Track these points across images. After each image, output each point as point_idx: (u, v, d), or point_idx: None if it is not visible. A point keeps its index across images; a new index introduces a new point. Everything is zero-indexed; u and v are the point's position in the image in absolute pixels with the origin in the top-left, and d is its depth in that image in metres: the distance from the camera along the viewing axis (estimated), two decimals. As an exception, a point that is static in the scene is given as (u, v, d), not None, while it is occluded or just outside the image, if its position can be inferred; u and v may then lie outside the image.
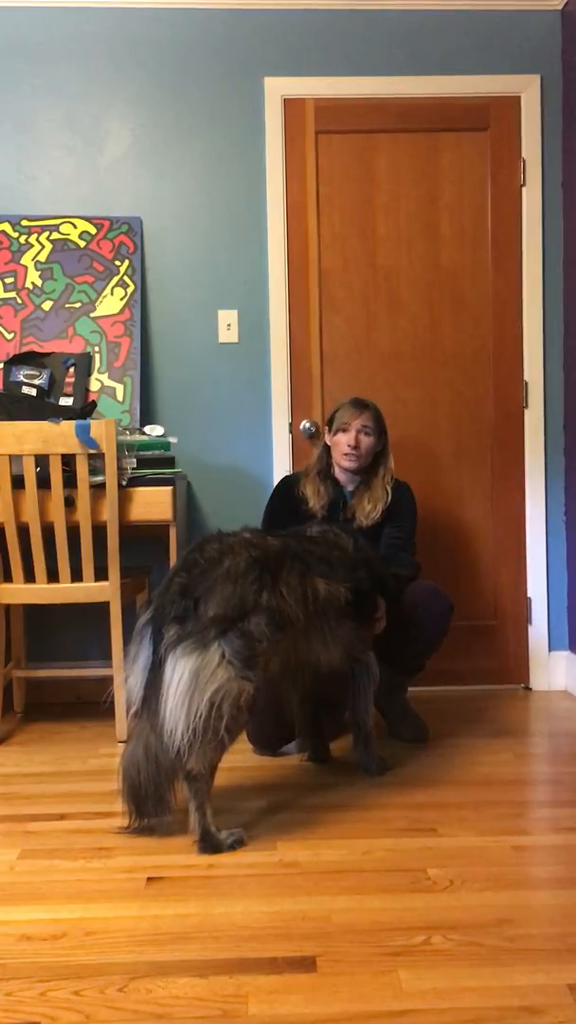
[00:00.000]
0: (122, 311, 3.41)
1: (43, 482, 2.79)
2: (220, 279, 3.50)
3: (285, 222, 3.49)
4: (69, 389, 3.26)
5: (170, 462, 3.05)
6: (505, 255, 3.55)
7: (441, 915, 1.70)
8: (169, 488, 2.94)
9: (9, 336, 3.36)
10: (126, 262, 3.43)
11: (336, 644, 2.35)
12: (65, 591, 2.86)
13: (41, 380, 3.19)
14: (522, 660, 3.58)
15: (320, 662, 2.34)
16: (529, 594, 3.57)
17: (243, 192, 3.49)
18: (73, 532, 2.84)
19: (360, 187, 3.52)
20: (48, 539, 2.83)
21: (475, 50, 3.50)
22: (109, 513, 2.84)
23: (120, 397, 3.35)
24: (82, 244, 3.42)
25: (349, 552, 2.43)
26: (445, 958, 1.54)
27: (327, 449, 2.93)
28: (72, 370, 3.28)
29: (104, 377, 3.36)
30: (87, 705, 3.33)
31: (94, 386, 3.34)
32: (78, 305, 3.40)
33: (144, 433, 3.14)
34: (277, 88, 3.47)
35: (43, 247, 3.42)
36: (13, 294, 3.38)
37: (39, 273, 3.41)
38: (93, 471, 2.83)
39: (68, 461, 2.80)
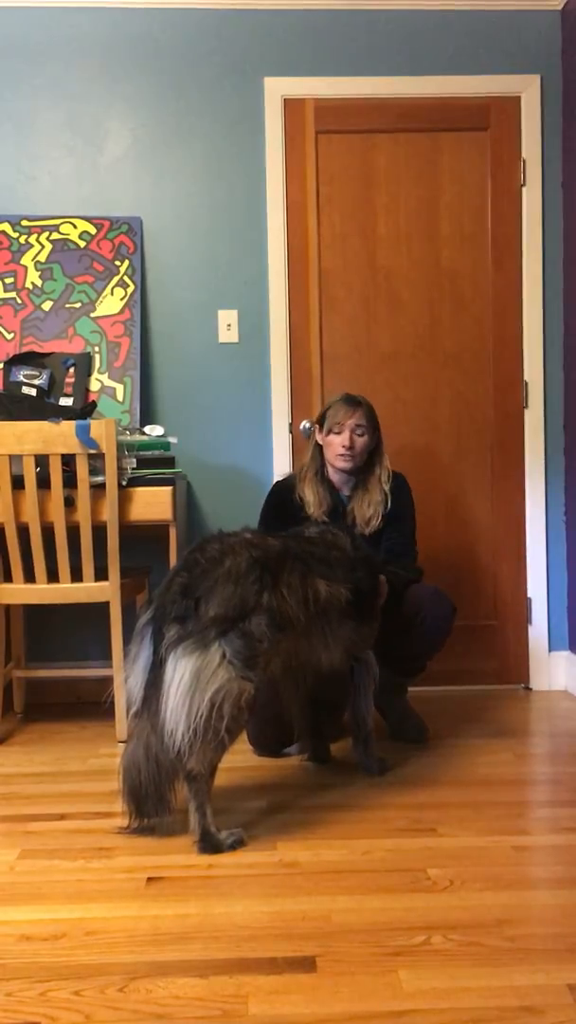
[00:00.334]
0: (122, 311, 3.41)
1: (43, 482, 2.79)
2: (220, 279, 3.50)
3: (285, 222, 3.49)
4: (69, 389, 3.26)
5: (170, 462, 3.05)
6: (505, 255, 3.55)
7: (441, 915, 1.70)
8: (169, 488, 2.94)
9: (9, 336, 3.36)
10: (126, 262, 3.43)
11: (337, 644, 2.35)
12: (65, 591, 2.86)
13: (41, 380, 3.19)
14: (522, 660, 3.58)
15: (321, 663, 2.34)
16: (529, 594, 3.57)
17: (243, 192, 3.50)
18: (73, 532, 2.84)
19: (360, 187, 3.52)
20: (48, 539, 2.83)
21: (475, 50, 3.50)
22: (109, 513, 2.84)
23: (120, 397, 3.35)
24: (82, 244, 3.42)
25: (348, 552, 2.43)
26: (445, 958, 1.54)
27: (319, 449, 2.86)
28: (72, 370, 3.28)
29: (104, 377, 3.36)
30: (87, 705, 3.33)
31: (94, 386, 3.34)
32: (78, 305, 3.40)
33: (144, 433, 3.14)
34: (277, 88, 3.47)
35: (43, 247, 3.42)
36: (13, 294, 3.38)
37: (39, 273, 3.41)
38: (93, 471, 2.83)
39: (68, 461, 2.80)
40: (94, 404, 3.02)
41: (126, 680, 2.14)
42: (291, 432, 3.50)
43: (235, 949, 1.59)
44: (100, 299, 3.41)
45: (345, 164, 3.51)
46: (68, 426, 2.77)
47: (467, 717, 3.14)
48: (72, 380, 3.27)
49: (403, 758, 2.66)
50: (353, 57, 3.49)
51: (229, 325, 3.50)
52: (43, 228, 3.43)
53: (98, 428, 2.77)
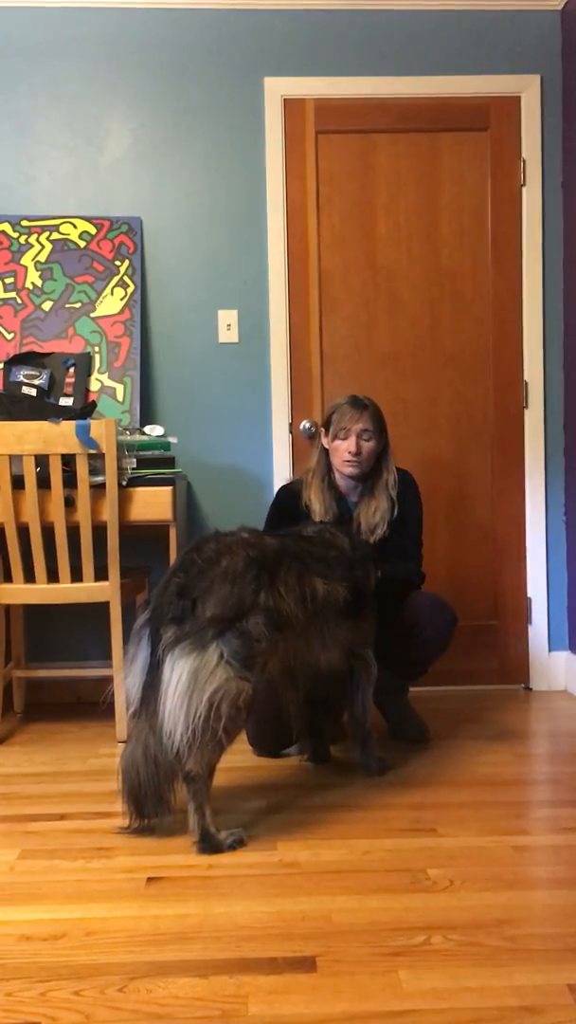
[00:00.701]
0: (122, 311, 3.41)
1: (43, 482, 2.79)
2: (220, 279, 3.50)
3: (285, 222, 3.49)
4: (69, 389, 3.26)
5: (170, 462, 3.05)
6: (505, 255, 3.55)
7: (441, 915, 1.70)
8: (169, 488, 2.94)
9: (9, 336, 3.36)
10: (126, 262, 3.43)
11: (335, 644, 2.35)
12: (65, 591, 2.86)
13: (41, 380, 3.19)
14: (522, 660, 3.58)
15: (320, 662, 2.34)
16: (529, 594, 3.57)
17: (243, 192, 3.50)
18: (73, 532, 2.84)
19: (360, 187, 3.52)
20: (48, 539, 2.83)
21: (475, 50, 3.50)
22: (109, 513, 2.84)
23: (120, 397, 3.35)
24: (82, 244, 3.42)
25: (346, 551, 2.43)
26: (445, 958, 1.54)
27: (325, 453, 2.80)
28: (72, 370, 3.28)
29: (104, 377, 3.36)
30: (87, 705, 3.33)
31: (94, 386, 3.34)
32: (78, 305, 3.40)
33: (144, 433, 3.14)
34: (277, 88, 3.47)
35: (43, 247, 3.42)
36: (13, 294, 3.38)
37: (39, 273, 3.41)
38: (93, 471, 2.82)
39: (68, 461, 2.80)
40: (94, 404, 3.02)
41: (124, 681, 2.13)
42: (291, 432, 3.50)
43: (235, 949, 1.59)
44: (100, 299, 3.41)
45: (345, 164, 3.51)
46: (68, 426, 2.77)
47: (467, 717, 3.14)
48: (72, 380, 3.27)
49: (403, 758, 2.66)
50: (353, 57, 3.49)
51: (229, 325, 3.50)
52: (43, 228, 3.43)
53: (98, 428, 2.77)
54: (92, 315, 3.39)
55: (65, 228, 3.43)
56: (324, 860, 1.97)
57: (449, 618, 2.73)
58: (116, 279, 3.42)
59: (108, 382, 3.36)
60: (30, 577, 2.86)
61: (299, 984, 1.47)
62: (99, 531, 2.86)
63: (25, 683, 3.35)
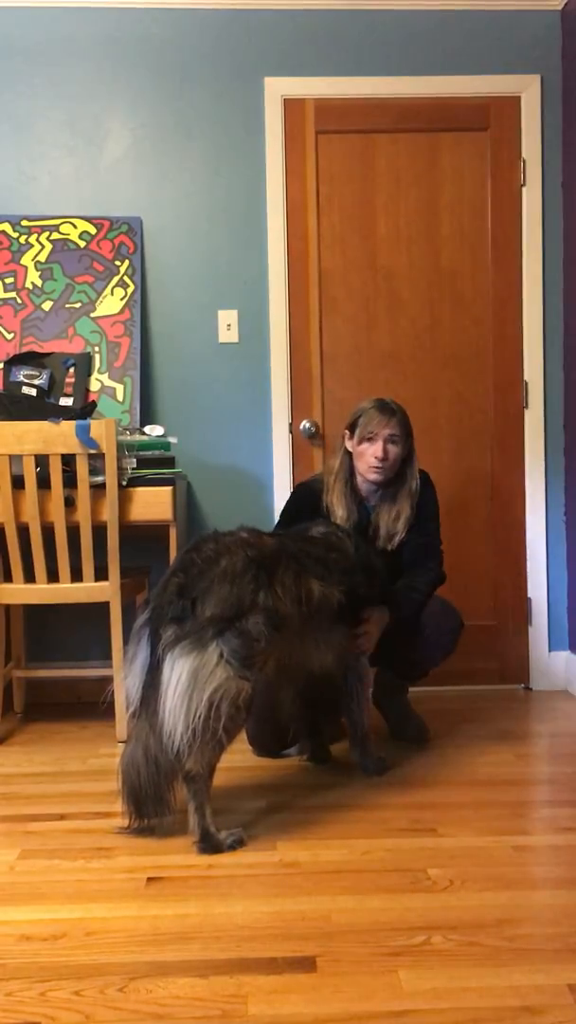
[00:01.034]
0: (122, 311, 3.41)
1: (43, 482, 2.79)
2: (220, 279, 3.50)
3: (285, 222, 3.49)
4: (69, 389, 3.26)
5: (170, 462, 3.05)
6: (505, 255, 3.55)
7: (441, 915, 1.70)
8: (169, 488, 2.94)
9: (9, 336, 3.36)
10: (126, 262, 3.43)
11: (329, 648, 2.34)
12: (65, 591, 2.86)
13: (41, 380, 3.19)
14: (522, 660, 3.58)
15: (312, 663, 2.34)
16: (529, 594, 3.57)
17: (243, 192, 3.50)
18: (73, 532, 2.84)
19: (360, 187, 3.52)
20: (48, 539, 2.83)
21: (475, 50, 3.50)
22: (109, 513, 2.84)
23: (120, 397, 3.35)
24: (82, 244, 3.42)
25: (349, 555, 2.42)
26: (445, 958, 1.54)
27: (349, 456, 2.72)
28: (72, 370, 3.28)
29: (104, 377, 3.36)
30: (87, 705, 3.33)
31: (94, 386, 3.34)
32: (78, 305, 3.40)
33: (144, 433, 3.14)
34: (277, 88, 3.47)
35: (43, 247, 3.42)
36: (13, 294, 3.38)
37: (39, 273, 3.41)
38: (93, 471, 2.82)
39: (68, 461, 2.80)
40: (94, 404, 3.02)
41: (124, 681, 2.13)
42: (291, 432, 3.50)
43: (235, 949, 1.59)
44: (100, 299, 3.41)
45: (345, 164, 3.51)
46: (68, 426, 2.77)
47: (467, 717, 3.14)
48: (72, 380, 3.27)
49: (403, 758, 2.66)
50: (353, 57, 3.49)
51: (229, 325, 3.50)
52: (43, 228, 3.43)
53: (98, 428, 2.77)
54: (92, 315, 3.39)
55: (65, 228, 3.43)
56: (324, 860, 1.97)
57: (455, 624, 2.72)
58: (116, 279, 3.42)
59: (108, 382, 3.36)
60: (30, 577, 2.86)
61: (299, 984, 1.47)
62: (99, 531, 2.86)
63: (25, 683, 3.35)
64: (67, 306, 3.40)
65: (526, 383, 3.55)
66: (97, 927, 1.68)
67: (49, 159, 3.48)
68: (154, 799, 2.08)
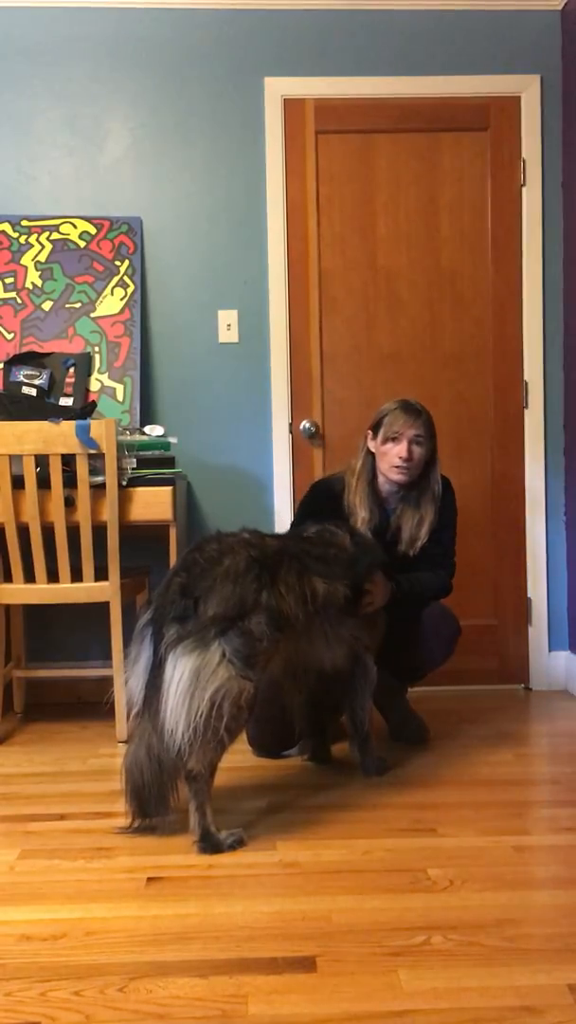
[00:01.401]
0: (122, 311, 3.41)
1: (43, 482, 2.79)
2: (220, 279, 3.50)
3: (285, 222, 3.49)
4: (69, 389, 3.26)
5: (170, 462, 3.05)
6: (505, 255, 3.55)
7: (441, 915, 1.70)
8: (169, 488, 2.94)
9: (9, 336, 3.36)
10: (126, 262, 3.43)
11: (339, 643, 2.35)
12: (65, 591, 2.86)
13: (41, 380, 3.19)
14: (522, 660, 3.58)
15: (323, 661, 2.34)
16: (529, 594, 3.57)
17: (243, 192, 3.50)
18: (73, 532, 2.84)
19: (360, 187, 3.52)
20: (48, 539, 2.83)
21: (475, 50, 3.50)
22: (109, 513, 2.84)
23: (120, 397, 3.35)
24: (82, 244, 3.42)
25: (347, 549, 2.42)
26: (445, 958, 1.54)
27: (372, 457, 2.69)
28: (72, 370, 3.28)
29: (104, 377, 3.36)
30: (87, 705, 3.33)
31: (94, 386, 3.34)
32: (78, 305, 3.40)
33: (144, 433, 3.14)
34: (277, 88, 3.47)
35: (43, 247, 3.42)
36: (13, 294, 3.38)
37: (39, 273, 3.41)
38: (93, 471, 2.83)
39: (68, 461, 2.80)
40: (94, 404, 3.02)
41: (127, 681, 2.14)
42: (291, 432, 3.50)
43: (235, 949, 1.59)
44: (100, 299, 3.41)
45: (345, 164, 3.51)
46: (68, 426, 2.77)
47: (467, 717, 3.14)
48: (72, 380, 3.27)
49: (403, 758, 2.66)
50: (353, 57, 3.49)
51: (229, 325, 3.50)
52: (43, 228, 3.43)
53: (98, 428, 2.77)
54: (92, 315, 3.39)
55: (65, 228, 3.43)
56: (324, 860, 1.97)
57: (453, 630, 2.72)
58: (116, 279, 3.42)
59: (108, 382, 3.36)
60: (30, 577, 2.86)
61: (299, 984, 1.47)
62: (99, 531, 2.86)
63: (25, 683, 3.35)
64: (67, 306, 3.40)
65: (526, 383, 3.55)
66: (97, 927, 1.68)
67: (49, 159, 3.48)
68: (157, 798, 2.08)
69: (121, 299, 3.41)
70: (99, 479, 2.83)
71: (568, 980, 1.47)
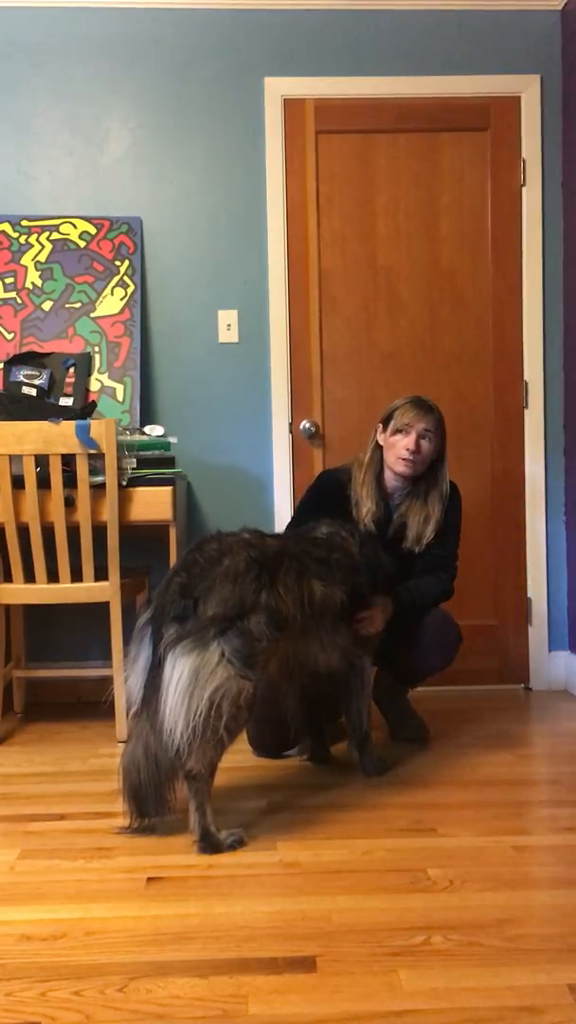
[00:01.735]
0: (122, 311, 3.41)
1: (43, 482, 2.79)
2: (220, 279, 3.50)
3: (285, 222, 3.49)
4: (69, 389, 3.25)
5: (170, 462, 3.05)
6: (505, 255, 3.55)
7: (441, 915, 1.70)
8: (169, 488, 2.94)
9: (9, 336, 3.36)
10: (126, 262, 3.43)
11: (333, 647, 2.34)
12: (65, 591, 2.86)
13: (41, 380, 3.19)
14: (522, 660, 3.58)
15: (318, 663, 2.34)
16: (529, 594, 3.57)
17: (243, 192, 3.50)
18: (73, 532, 2.84)
19: (360, 187, 3.52)
20: (48, 539, 2.83)
21: (475, 50, 3.50)
22: (109, 513, 2.84)
23: (120, 397, 3.35)
24: (82, 244, 3.42)
25: (352, 555, 2.42)
26: (445, 958, 1.54)
27: (380, 450, 2.71)
28: (72, 370, 3.27)
29: (104, 377, 3.36)
30: (87, 705, 3.33)
31: (94, 386, 3.34)
32: (78, 305, 3.40)
33: (144, 433, 3.14)
34: (277, 88, 3.47)
35: (43, 247, 3.42)
36: (13, 294, 3.38)
37: (39, 273, 3.41)
38: (93, 471, 2.83)
39: (68, 461, 2.80)
40: (94, 404, 3.02)
41: (126, 680, 2.14)
42: (291, 432, 3.50)
43: (235, 949, 1.59)
44: (100, 299, 3.41)
45: (345, 164, 3.51)
46: (68, 426, 2.77)
47: (467, 717, 3.14)
48: (72, 380, 3.27)
49: (403, 758, 2.66)
50: (353, 57, 3.49)
51: (229, 325, 3.50)
52: (43, 228, 3.43)
53: (98, 428, 2.77)
54: (92, 315, 3.39)
55: (65, 228, 3.43)
56: (324, 860, 1.97)
57: (453, 637, 2.72)
58: (116, 279, 3.42)
59: (108, 382, 3.36)
60: (30, 577, 2.86)
61: (299, 984, 1.47)
62: (99, 531, 2.86)
63: (25, 683, 3.35)
64: (67, 306, 3.40)
65: (526, 383, 3.55)
66: (97, 927, 1.68)
67: (49, 159, 3.48)
68: (155, 798, 2.08)
69: (121, 299, 3.41)
70: (99, 479, 2.83)
71: (568, 980, 1.47)
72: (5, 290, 3.38)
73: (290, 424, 3.50)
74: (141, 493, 2.93)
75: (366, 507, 2.67)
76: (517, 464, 3.56)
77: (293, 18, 3.48)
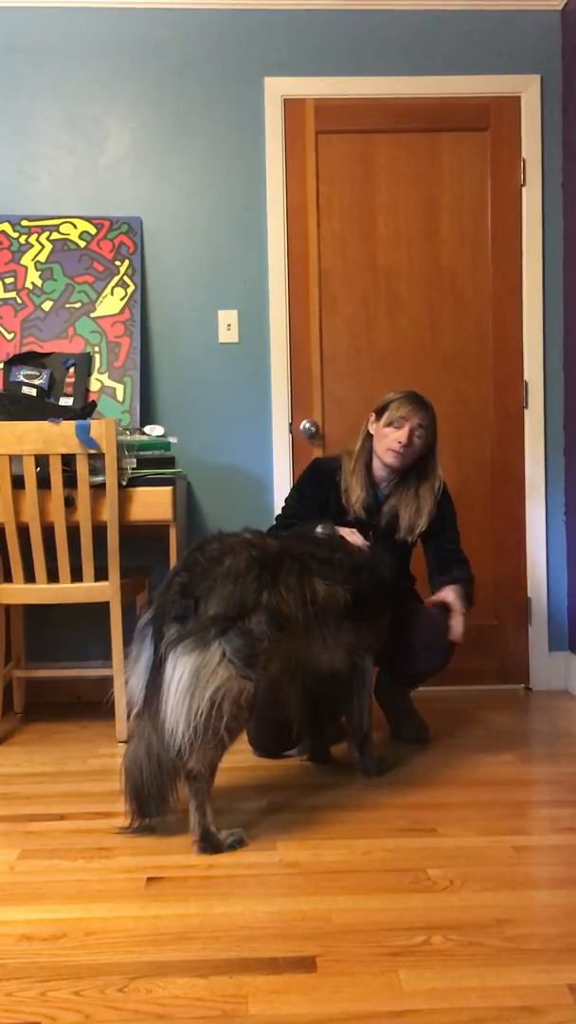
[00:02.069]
0: (122, 311, 3.41)
1: (43, 482, 2.79)
2: (220, 279, 3.50)
3: (285, 222, 3.49)
4: (69, 389, 3.26)
5: (170, 462, 3.05)
6: (505, 255, 3.55)
7: (441, 915, 1.70)
8: (169, 488, 2.94)
9: (9, 336, 3.36)
10: (126, 262, 3.43)
11: (336, 646, 2.34)
12: (65, 591, 2.86)
13: (41, 380, 3.19)
14: (522, 660, 3.58)
15: (320, 663, 2.34)
16: (529, 594, 3.57)
17: (243, 192, 3.50)
18: (73, 532, 2.84)
19: (360, 187, 3.52)
20: (48, 539, 2.83)
21: (475, 50, 3.50)
22: (109, 513, 2.84)
23: (120, 397, 3.35)
24: (82, 244, 3.42)
25: (354, 554, 2.42)
26: (445, 958, 1.54)
27: (370, 439, 2.75)
28: (72, 370, 3.28)
29: (104, 377, 3.36)
30: (87, 705, 3.33)
31: (94, 386, 3.34)
32: (78, 305, 3.40)
33: (144, 433, 3.14)
34: (277, 88, 3.47)
35: (43, 247, 3.42)
36: (13, 294, 3.38)
37: (39, 273, 3.41)
38: (93, 471, 2.83)
39: (68, 461, 2.80)
40: (94, 404, 3.02)
41: (127, 681, 2.14)
42: (291, 432, 3.50)
43: (235, 949, 1.59)
44: (100, 299, 3.41)
45: (345, 164, 3.51)
46: (68, 426, 2.77)
47: (467, 717, 3.14)
48: (72, 380, 3.27)
49: (403, 758, 2.66)
50: (353, 57, 3.49)
51: (229, 325, 3.50)
52: (43, 228, 3.43)
53: (98, 428, 2.77)
54: (92, 315, 3.39)
55: (65, 228, 3.43)
56: (324, 860, 1.97)
57: (445, 642, 2.71)
58: (116, 279, 3.42)
59: (108, 382, 3.36)
60: (30, 577, 2.86)
61: (299, 984, 1.47)
62: (99, 531, 2.86)
63: (25, 683, 3.35)
64: (67, 306, 3.40)
65: (526, 383, 3.55)
66: (97, 927, 1.68)
67: (49, 159, 3.48)
68: (156, 798, 2.08)
69: (121, 299, 3.41)
70: (99, 479, 2.83)
71: (568, 980, 1.47)
72: (5, 290, 3.38)
73: (290, 424, 3.50)
74: (141, 493, 2.93)
75: (355, 494, 2.72)
76: (517, 464, 3.56)
77: (293, 18, 3.48)
